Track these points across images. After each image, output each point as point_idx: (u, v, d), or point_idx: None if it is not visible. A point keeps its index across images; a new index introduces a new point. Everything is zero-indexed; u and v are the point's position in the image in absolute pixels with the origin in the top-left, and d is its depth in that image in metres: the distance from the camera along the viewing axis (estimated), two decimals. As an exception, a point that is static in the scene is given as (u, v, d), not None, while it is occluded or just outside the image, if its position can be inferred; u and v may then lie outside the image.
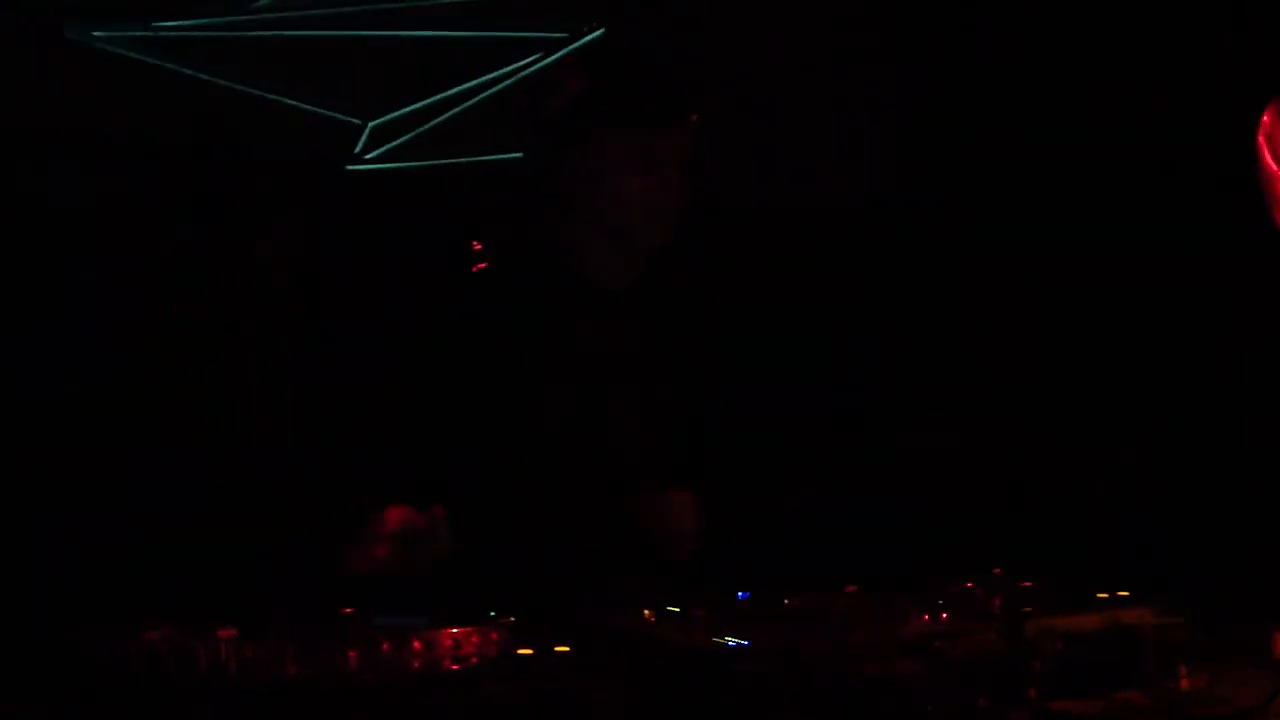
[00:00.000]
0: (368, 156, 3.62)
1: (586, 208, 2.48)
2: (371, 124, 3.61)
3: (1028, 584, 2.20)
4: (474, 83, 3.71)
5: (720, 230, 3.88)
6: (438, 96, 3.69)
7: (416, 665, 1.69)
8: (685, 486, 2.52)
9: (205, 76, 3.46)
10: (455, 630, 1.78)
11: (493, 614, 1.84)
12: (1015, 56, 3.87)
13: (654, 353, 2.56)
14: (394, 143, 3.63)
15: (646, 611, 1.97)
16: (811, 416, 3.87)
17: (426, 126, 3.68)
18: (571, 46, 3.72)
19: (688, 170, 2.50)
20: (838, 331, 4.05)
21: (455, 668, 1.69)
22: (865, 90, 4.04)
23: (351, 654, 1.69)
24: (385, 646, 1.72)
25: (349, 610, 2.04)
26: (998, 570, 2.25)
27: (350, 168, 3.61)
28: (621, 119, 2.46)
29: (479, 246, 2.57)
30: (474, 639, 1.77)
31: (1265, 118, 2.59)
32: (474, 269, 2.55)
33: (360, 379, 2.70)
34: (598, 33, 3.75)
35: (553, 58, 3.70)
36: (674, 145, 2.47)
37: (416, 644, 1.74)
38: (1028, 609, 1.99)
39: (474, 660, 1.72)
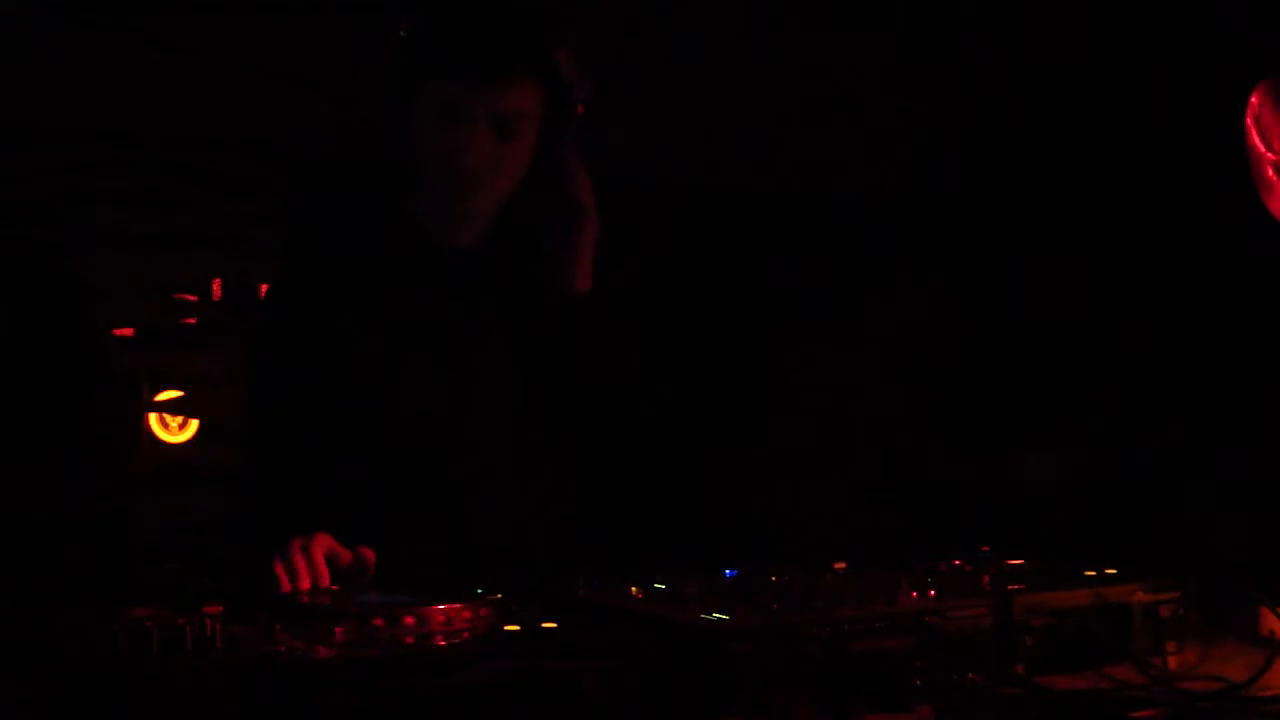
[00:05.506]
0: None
1: (409, 160, 2.38)
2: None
3: (1016, 561, 2.20)
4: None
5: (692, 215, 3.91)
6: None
7: (402, 642, 1.68)
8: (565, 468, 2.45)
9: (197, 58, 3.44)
10: (442, 607, 1.77)
11: (480, 591, 1.83)
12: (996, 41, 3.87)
13: (526, 330, 2.46)
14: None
15: (634, 588, 1.96)
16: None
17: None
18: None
19: (512, 139, 2.33)
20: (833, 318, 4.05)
21: (442, 644, 1.68)
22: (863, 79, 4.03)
23: (337, 630, 1.68)
24: (370, 624, 1.71)
25: (334, 587, 2.04)
26: (986, 547, 2.25)
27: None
28: (424, 65, 2.33)
29: None
30: (460, 616, 1.77)
31: (1253, 99, 2.58)
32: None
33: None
34: None
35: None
36: (485, 104, 2.30)
37: (401, 621, 1.73)
38: (1016, 586, 1.99)
39: (460, 637, 1.71)
